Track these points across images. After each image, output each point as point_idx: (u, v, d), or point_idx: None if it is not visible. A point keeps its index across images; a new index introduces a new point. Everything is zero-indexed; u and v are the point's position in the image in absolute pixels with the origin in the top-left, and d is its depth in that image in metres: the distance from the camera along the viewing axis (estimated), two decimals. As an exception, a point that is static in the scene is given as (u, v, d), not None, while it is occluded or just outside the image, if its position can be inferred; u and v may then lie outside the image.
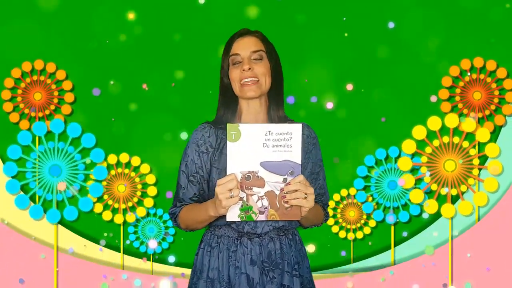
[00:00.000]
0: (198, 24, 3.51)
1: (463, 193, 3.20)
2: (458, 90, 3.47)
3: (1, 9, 3.48)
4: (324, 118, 3.49)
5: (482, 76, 3.45)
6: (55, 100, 3.49)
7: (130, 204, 3.47)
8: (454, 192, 3.20)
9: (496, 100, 3.44)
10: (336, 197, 3.50)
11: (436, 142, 3.18)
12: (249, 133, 1.61)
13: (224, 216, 1.80)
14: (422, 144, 3.18)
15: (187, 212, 1.89)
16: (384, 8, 3.50)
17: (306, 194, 1.63)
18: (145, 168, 3.46)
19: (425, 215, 3.44)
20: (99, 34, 3.50)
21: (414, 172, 3.31)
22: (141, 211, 3.45)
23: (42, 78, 3.49)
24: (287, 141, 1.61)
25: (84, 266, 3.44)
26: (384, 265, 3.49)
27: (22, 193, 3.30)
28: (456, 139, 3.17)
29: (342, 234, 3.52)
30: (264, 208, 1.63)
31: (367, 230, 3.50)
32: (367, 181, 3.49)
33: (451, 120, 3.12)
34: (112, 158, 3.43)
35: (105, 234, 3.50)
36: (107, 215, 3.44)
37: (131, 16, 3.50)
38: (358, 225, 3.51)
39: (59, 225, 3.45)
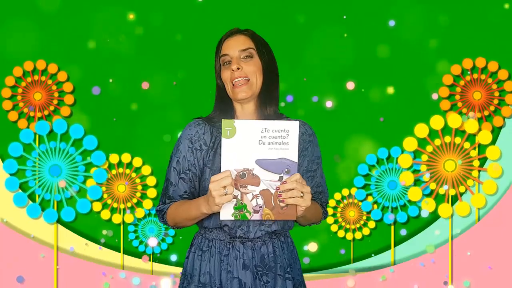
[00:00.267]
0: (198, 24, 3.50)
1: (461, 194, 3.18)
2: (458, 89, 3.46)
3: (5, 9, 3.50)
4: (324, 117, 3.48)
5: (483, 77, 3.44)
6: (55, 101, 3.49)
7: (129, 204, 3.46)
8: (452, 192, 3.18)
9: (495, 102, 3.42)
10: (337, 195, 3.48)
11: (437, 141, 3.17)
12: (244, 130, 1.56)
13: (215, 219, 1.78)
14: (423, 143, 3.17)
15: (177, 209, 1.80)
16: (385, 6, 3.49)
17: (302, 193, 1.59)
18: (146, 169, 3.45)
19: (424, 214, 3.40)
20: (100, 34, 3.50)
21: (415, 172, 3.30)
22: (140, 212, 3.44)
23: (43, 78, 3.49)
24: (283, 138, 1.57)
25: (84, 266, 3.44)
26: (384, 265, 3.47)
27: (20, 191, 3.30)
28: (457, 140, 3.16)
29: (341, 233, 3.50)
30: (259, 207, 1.59)
31: (366, 231, 3.49)
32: (367, 179, 3.48)
33: (454, 120, 3.10)
34: (113, 158, 3.43)
35: (104, 233, 3.49)
36: (105, 214, 3.44)
37: (131, 16, 3.50)
38: (358, 225, 3.49)
39: (59, 225, 3.44)
